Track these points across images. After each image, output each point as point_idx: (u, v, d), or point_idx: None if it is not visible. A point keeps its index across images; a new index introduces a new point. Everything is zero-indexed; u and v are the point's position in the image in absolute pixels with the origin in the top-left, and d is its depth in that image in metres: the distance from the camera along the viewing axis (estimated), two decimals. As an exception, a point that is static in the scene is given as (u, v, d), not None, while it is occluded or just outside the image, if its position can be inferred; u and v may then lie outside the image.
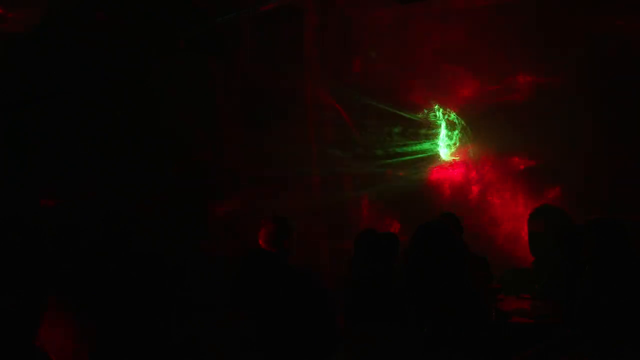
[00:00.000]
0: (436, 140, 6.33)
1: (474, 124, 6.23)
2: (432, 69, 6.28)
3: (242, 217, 6.70)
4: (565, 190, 5.73)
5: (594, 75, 5.54)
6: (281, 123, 6.90)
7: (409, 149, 6.38)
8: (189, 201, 6.82)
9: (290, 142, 6.92)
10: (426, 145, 6.40)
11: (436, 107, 6.34)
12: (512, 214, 6.17)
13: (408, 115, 6.40)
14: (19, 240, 3.87)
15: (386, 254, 3.69)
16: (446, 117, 6.29)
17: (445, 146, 6.35)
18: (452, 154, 6.32)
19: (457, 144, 6.28)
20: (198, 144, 6.98)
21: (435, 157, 6.42)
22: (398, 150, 6.39)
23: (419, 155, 6.41)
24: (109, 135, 6.65)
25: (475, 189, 6.29)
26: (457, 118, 6.23)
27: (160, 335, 2.33)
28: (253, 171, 6.96)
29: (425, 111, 6.31)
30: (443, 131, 6.30)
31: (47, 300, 2.56)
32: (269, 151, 6.94)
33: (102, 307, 2.37)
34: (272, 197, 6.78)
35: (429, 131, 6.37)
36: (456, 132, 6.24)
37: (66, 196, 6.16)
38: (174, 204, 6.62)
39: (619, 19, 5.50)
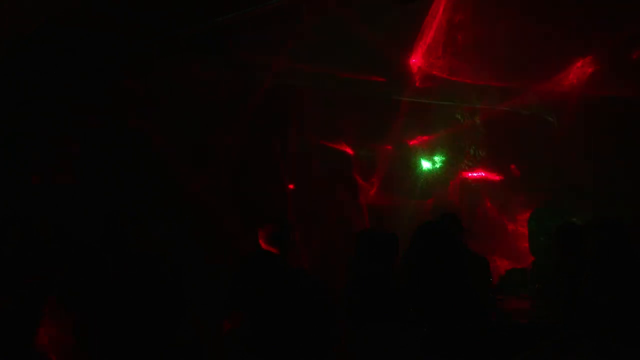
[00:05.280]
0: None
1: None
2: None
3: (243, 217, 6.71)
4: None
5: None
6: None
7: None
8: (189, 202, 6.82)
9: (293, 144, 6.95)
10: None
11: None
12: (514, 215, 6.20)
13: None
14: (19, 240, 3.87)
15: (386, 254, 3.68)
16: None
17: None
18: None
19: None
20: (200, 145, 6.99)
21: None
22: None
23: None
24: (110, 135, 6.65)
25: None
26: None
27: (160, 335, 2.33)
28: (255, 171, 6.96)
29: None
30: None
31: (47, 300, 2.56)
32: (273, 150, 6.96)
33: (103, 307, 2.37)
34: (273, 197, 6.79)
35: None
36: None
37: (67, 196, 6.16)
38: (174, 205, 6.62)
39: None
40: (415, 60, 6.39)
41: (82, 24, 5.69)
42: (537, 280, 4.37)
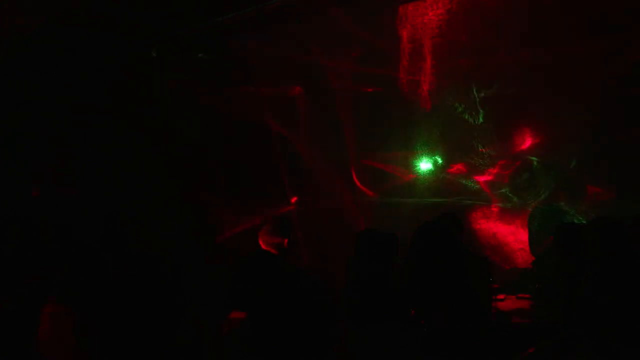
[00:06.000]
0: None
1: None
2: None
3: (243, 217, 6.71)
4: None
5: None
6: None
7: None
8: (189, 202, 6.83)
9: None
10: None
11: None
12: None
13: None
14: (19, 240, 3.88)
15: (386, 254, 3.68)
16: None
17: None
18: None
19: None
20: (200, 145, 6.99)
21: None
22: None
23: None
24: (110, 135, 6.65)
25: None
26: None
27: (160, 335, 2.33)
28: (254, 172, 6.96)
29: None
30: None
31: (47, 300, 2.56)
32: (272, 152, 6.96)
33: (103, 307, 2.37)
34: (274, 198, 6.80)
35: None
36: None
37: (67, 196, 6.16)
38: (174, 205, 6.63)
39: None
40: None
41: (82, 24, 5.69)
42: (537, 280, 4.37)
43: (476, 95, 6.23)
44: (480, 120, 6.24)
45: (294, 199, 6.95)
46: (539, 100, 5.84)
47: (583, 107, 5.55)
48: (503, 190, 6.24)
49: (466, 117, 6.29)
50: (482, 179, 6.37)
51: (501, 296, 4.21)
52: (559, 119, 5.77)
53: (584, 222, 5.49)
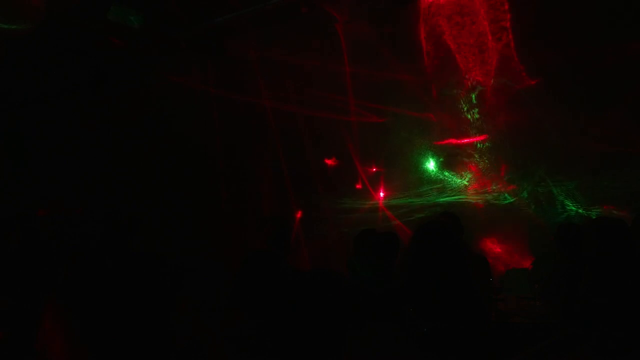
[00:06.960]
0: None
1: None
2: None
3: (243, 217, 6.71)
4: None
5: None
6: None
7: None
8: (189, 201, 6.83)
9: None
10: None
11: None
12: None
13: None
14: (19, 240, 3.88)
15: (386, 254, 3.69)
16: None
17: None
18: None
19: None
20: (200, 145, 6.99)
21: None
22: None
23: None
24: (110, 136, 6.66)
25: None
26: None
27: (160, 335, 2.33)
28: (255, 172, 6.97)
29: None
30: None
31: (47, 300, 2.56)
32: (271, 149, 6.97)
33: (102, 307, 2.37)
34: (275, 198, 6.80)
35: None
36: None
37: (66, 197, 6.17)
38: (174, 205, 6.63)
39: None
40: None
41: (82, 24, 5.69)
42: (537, 280, 4.37)
43: (475, 96, 6.25)
44: (476, 116, 6.26)
45: (294, 201, 6.96)
46: (538, 100, 5.85)
47: (581, 106, 5.57)
48: (498, 190, 6.25)
49: (468, 116, 6.29)
50: (480, 177, 6.37)
51: (501, 296, 4.21)
52: (557, 118, 5.78)
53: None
